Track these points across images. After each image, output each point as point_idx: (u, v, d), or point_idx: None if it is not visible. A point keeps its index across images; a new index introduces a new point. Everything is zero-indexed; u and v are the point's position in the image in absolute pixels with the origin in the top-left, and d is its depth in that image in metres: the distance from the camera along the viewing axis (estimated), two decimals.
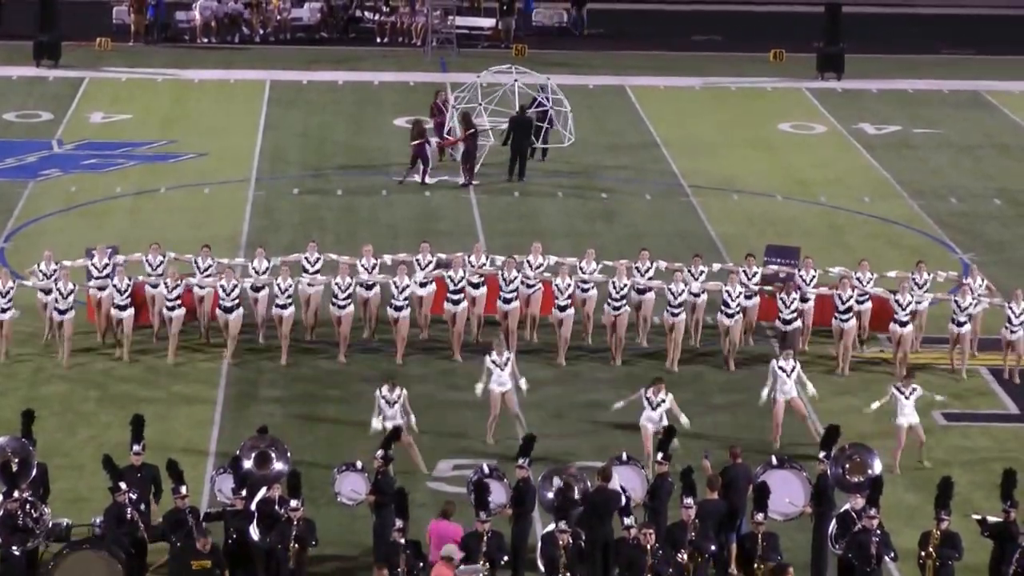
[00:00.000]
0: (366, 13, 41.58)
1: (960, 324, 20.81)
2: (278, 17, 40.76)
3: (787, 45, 39.14)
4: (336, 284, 21.00)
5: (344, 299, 20.95)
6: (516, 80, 29.98)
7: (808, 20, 39.65)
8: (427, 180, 28.53)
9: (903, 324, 20.90)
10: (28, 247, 24.53)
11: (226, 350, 20.84)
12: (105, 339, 21.23)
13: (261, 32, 40.46)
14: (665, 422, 17.65)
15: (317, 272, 21.58)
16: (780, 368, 18.73)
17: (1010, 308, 20.78)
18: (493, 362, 18.69)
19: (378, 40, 40.38)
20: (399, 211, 27.54)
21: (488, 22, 41.25)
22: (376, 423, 17.76)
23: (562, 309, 21.12)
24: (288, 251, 22.84)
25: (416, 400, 19.67)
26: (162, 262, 21.63)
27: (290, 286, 20.97)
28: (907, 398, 18.17)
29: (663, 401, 17.88)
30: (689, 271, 21.49)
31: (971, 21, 43.88)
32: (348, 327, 20.97)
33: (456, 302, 21.14)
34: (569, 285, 21.16)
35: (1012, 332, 20.76)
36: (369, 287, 21.40)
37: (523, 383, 18.92)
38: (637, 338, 21.47)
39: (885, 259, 24.18)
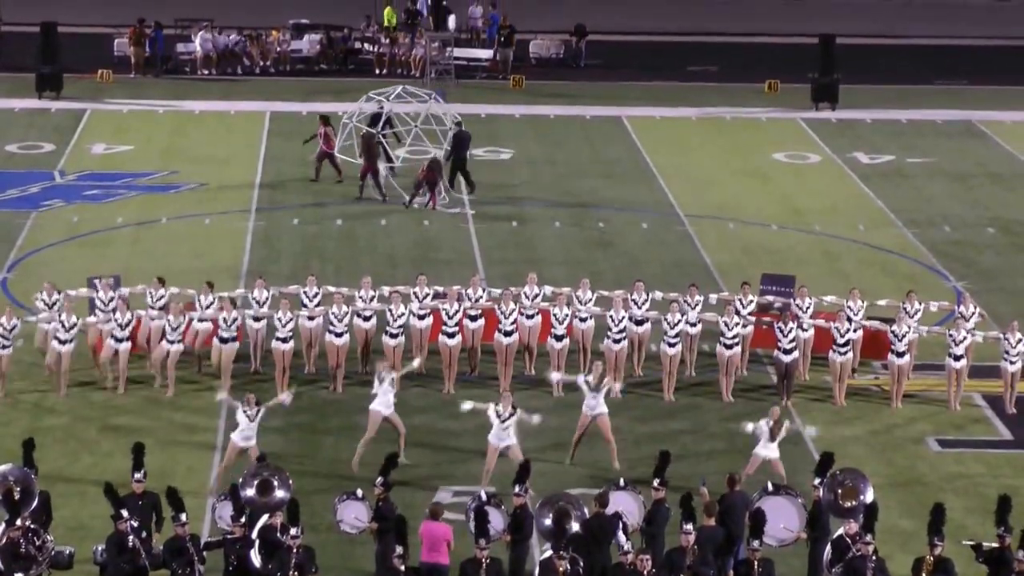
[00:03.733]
0: (365, 45, 41.90)
1: (957, 358, 20.89)
2: (278, 49, 41.08)
3: (782, 76, 39.42)
4: (332, 313, 21.20)
5: (341, 328, 21.13)
6: (435, 98, 30.59)
7: (802, 51, 39.96)
8: (365, 195, 29.24)
9: (901, 355, 21.06)
10: (30, 277, 24.71)
11: (220, 383, 20.89)
12: (103, 369, 21.38)
13: (261, 64, 40.78)
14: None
15: (316, 306, 21.75)
16: (586, 382, 18.86)
17: (1007, 339, 20.90)
18: (380, 381, 18.86)
19: (377, 72, 40.67)
20: (398, 240, 27.76)
21: (486, 53, 41.57)
22: (221, 394, 18.76)
23: (559, 339, 21.32)
24: (288, 281, 23.02)
25: (415, 430, 19.88)
26: (163, 295, 21.86)
27: (290, 320, 21.14)
28: (772, 439, 17.95)
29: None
30: (685, 301, 21.70)
31: (964, 52, 44.21)
32: (343, 357, 21.10)
33: (451, 335, 21.32)
34: (567, 316, 21.36)
35: (1012, 363, 20.86)
36: (366, 318, 21.60)
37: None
38: (633, 370, 21.65)
39: (879, 287, 24.38)
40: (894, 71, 41.51)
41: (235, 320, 21.01)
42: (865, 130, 36.24)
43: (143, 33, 40.06)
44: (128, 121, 35.64)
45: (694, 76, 41.23)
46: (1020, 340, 20.85)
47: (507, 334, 21.26)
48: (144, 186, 30.88)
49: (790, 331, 21.06)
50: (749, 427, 18.28)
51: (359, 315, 21.51)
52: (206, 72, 40.22)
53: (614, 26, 44.99)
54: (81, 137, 34.13)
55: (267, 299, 21.71)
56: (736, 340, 21.18)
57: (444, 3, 41.63)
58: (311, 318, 21.48)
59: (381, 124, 30.07)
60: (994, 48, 44.91)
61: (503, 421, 18.11)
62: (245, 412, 18.02)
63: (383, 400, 18.86)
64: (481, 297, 21.88)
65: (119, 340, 20.94)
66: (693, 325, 21.47)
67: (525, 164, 32.97)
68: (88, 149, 33.33)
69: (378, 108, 30.14)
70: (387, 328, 21.20)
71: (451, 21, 41.17)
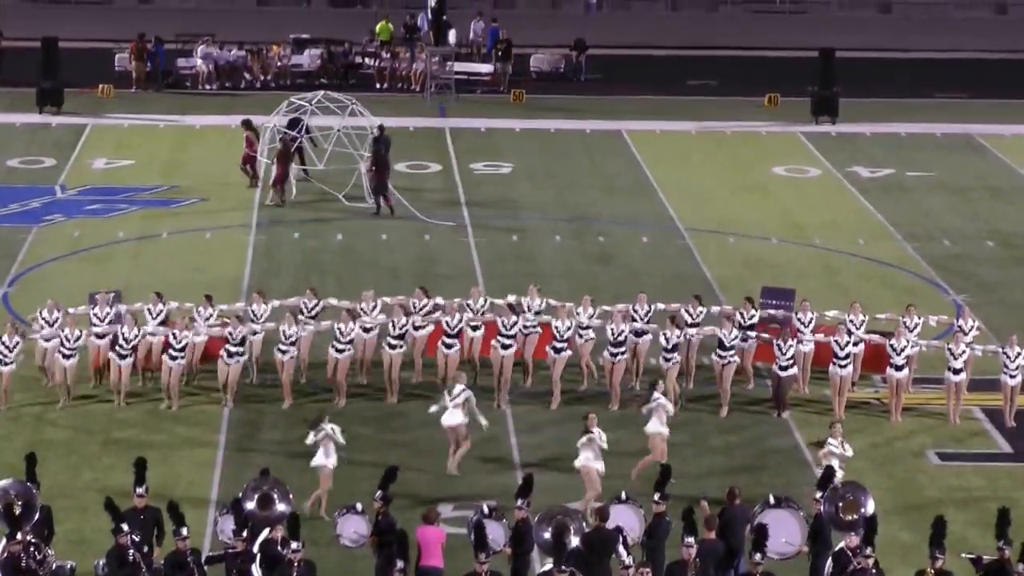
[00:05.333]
0: (365, 59, 42.01)
1: (956, 372, 20.92)
2: (278, 64, 41.16)
3: (781, 89, 39.48)
4: (338, 328, 21.25)
5: (345, 343, 21.22)
6: (353, 104, 30.67)
7: (802, 65, 40.04)
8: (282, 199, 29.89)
9: (899, 368, 21.08)
10: (31, 292, 24.75)
11: (227, 396, 21.04)
12: (100, 382, 21.37)
13: (262, 79, 40.87)
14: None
15: (314, 318, 21.83)
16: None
17: (1005, 353, 20.93)
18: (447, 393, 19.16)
19: (377, 86, 40.75)
20: (399, 255, 27.81)
21: (487, 68, 41.68)
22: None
23: (558, 351, 21.34)
24: (289, 295, 23.05)
25: (415, 443, 19.92)
26: (162, 311, 21.90)
27: (295, 332, 21.19)
28: (837, 448, 18.09)
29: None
30: (687, 311, 21.71)
31: (963, 65, 44.29)
32: (343, 373, 21.17)
33: (449, 346, 21.38)
34: (569, 328, 21.38)
35: (1012, 377, 20.88)
36: (368, 330, 21.66)
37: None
38: (632, 381, 21.68)
39: (879, 301, 24.40)
40: (894, 84, 41.58)
41: (241, 335, 21.06)
42: (865, 144, 36.30)
43: (144, 48, 40.14)
44: (129, 136, 35.71)
45: (694, 90, 41.29)
46: (1019, 354, 20.88)
47: (505, 347, 21.29)
48: (145, 201, 30.94)
49: (789, 348, 21.07)
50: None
51: (363, 328, 21.57)
52: (207, 87, 40.30)
53: (614, 40, 45.10)
54: (82, 152, 34.20)
55: (265, 312, 21.79)
56: (732, 353, 21.19)
57: (444, 17, 41.76)
58: (313, 328, 21.54)
59: (298, 130, 30.28)
60: (994, 61, 44.99)
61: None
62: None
63: (451, 412, 19.12)
64: (483, 307, 21.93)
65: (122, 356, 20.99)
66: (691, 338, 21.50)
67: (525, 178, 33.04)
68: (89, 164, 33.38)
69: (297, 114, 30.43)
70: (387, 339, 21.26)
71: (451, 36, 41.30)
